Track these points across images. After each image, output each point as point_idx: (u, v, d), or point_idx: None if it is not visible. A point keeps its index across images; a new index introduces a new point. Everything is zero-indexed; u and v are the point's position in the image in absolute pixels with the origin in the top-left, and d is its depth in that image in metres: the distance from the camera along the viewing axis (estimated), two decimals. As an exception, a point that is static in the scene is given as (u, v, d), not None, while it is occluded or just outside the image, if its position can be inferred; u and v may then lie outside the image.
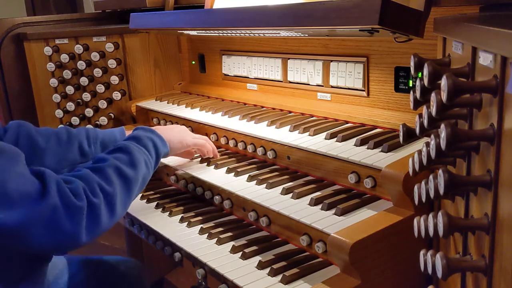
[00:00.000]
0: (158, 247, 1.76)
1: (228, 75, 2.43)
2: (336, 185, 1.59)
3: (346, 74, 1.84)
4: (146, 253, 2.72)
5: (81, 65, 2.61)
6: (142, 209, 1.90)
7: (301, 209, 1.45)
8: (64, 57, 2.63)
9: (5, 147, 1.19)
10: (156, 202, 1.95)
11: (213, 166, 1.87)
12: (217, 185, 1.74)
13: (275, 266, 1.39)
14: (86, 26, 2.93)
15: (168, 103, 2.43)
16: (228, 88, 2.44)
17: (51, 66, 2.69)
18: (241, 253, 1.50)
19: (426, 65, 0.91)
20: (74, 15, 3.13)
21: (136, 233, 1.90)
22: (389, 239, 1.27)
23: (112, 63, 2.56)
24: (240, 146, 1.93)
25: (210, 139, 2.02)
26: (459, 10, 1.42)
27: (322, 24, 1.46)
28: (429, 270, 0.88)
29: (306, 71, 2.00)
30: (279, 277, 1.35)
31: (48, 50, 2.66)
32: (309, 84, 2.01)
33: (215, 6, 2.13)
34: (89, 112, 2.68)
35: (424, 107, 0.98)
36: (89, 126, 2.69)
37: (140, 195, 2.00)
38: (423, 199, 0.99)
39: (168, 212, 1.84)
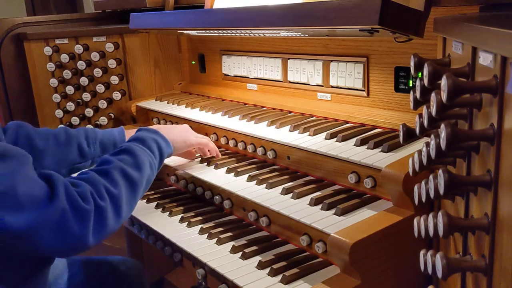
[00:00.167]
0: (158, 247, 1.76)
1: (228, 75, 2.43)
2: (336, 185, 1.59)
3: (346, 74, 1.84)
4: (146, 253, 2.72)
5: (81, 65, 2.61)
6: (142, 209, 1.90)
7: (301, 209, 1.45)
8: (64, 57, 2.63)
9: (15, 150, 1.19)
10: (156, 202, 1.95)
11: (213, 166, 1.87)
12: (217, 185, 1.74)
13: (275, 266, 1.39)
14: (86, 26, 2.93)
15: (168, 103, 2.43)
16: (228, 88, 2.44)
17: (51, 66, 2.69)
18: (241, 253, 1.50)
19: (426, 65, 0.91)
20: (74, 15, 3.13)
21: (136, 233, 1.90)
22: (389, 239, 1.27)
23: (112, 63, 2.56)
24: (240, 146, 1.93)
25: (210, 139, 2.02)
26: (459, 10, 1.42)
27: (322, 24, 1.46)
28: (429, 270, 0.88)
29: (306, 71, 2.00)
30: (279, 277, 1.36)
31: (48, 50, 2.66)
32: (309, 84, 2.01)
33: (215, 6, 2.13)
34: (89, 112, 2.68)
35: (424, 107, 0.98)
36: (89, 126, 2.69)
37: (140, 195, 2.00)
38: (423, 199, 0.99)
39: (168, 212, 1.84)
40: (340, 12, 1.39)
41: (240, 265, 1.45)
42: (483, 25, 0.84)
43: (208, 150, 1.93)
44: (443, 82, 0.82)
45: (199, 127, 2.12)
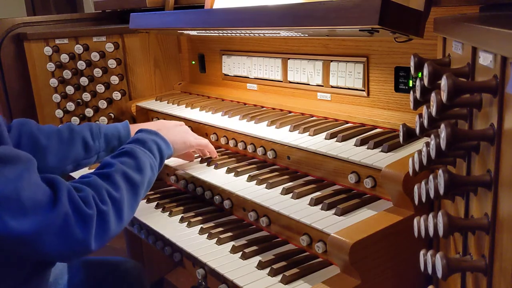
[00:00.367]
0: (158, 247, 1.76)
1: (228, 75, 2.43)
2: (336, 185, 1.59)
3: (346, 74, 1.84)
4: (146, 253, 2.72)
5: (81, 65, 2.61)
6: (142, 209, 1.90)
7: (301, 209, 1.45)
8: (64, 57, 2.63)
9: (20, 154, 1.19)
10: (156, 202, 1.95)
11: (213, 166, 1.87)
12: (217, 185, 1.74)
13: (275, 266, 1.39)
14: (86, 26, 2.93)
15: (168, 103, 2.43)
16: (228, 88, 2.44)
17: (51, 66, 2.69)
18: (241, 253, 1.50)
19: (426, 65, 0.91)
20: (74, 15, 3.12)
21: (136, 233, 1.91)
22: (389, 239, 1.27)
23: (112, 63, 2.56)
24: (240, 146, 1.93)
25: (210, 139, 2.02)
26: (459, 10, 1.42)
27: (322, 24, 1.46)
28: (429, 270, 0.88)
29: (306, 71, 2.00)
30: (279, 277, 1.36)
31: (48, 50, 2.66)
32: (309, 84, 2.01)
33: (215, 6, 2.13)
34: (89, 112, 2.68)
35: (424, 107, 0.98)
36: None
37: (140, 195, 2.00)
38: (423, 199, 0.99)
39: (168, 212, 1.84)
40: (340, 12, 1.39)
41: (240, 265, 1.45)
42: (483, 25, 0.84)
43: (208, 152, 1.93)
44: (443, 82, 0.82)
45: (199, 127, 2.12)
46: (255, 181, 1.68)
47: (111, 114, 2.64)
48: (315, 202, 1.47)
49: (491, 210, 0.82)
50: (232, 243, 1.57)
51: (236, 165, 1.83)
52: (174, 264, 2.71)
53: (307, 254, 1.47)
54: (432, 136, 0.88)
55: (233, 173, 1.77)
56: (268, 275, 1.38)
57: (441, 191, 0.85)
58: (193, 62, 2.66)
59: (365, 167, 1.47)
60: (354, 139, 1.58)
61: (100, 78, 2.62)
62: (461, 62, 0.97)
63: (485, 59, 0.83)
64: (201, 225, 1.70)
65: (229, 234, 1.62)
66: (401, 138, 1.14)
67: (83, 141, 1.75)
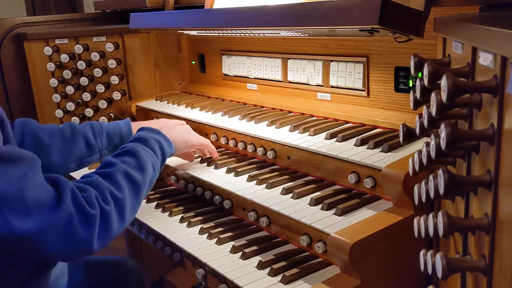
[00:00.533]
0: (158, 247, 1.76)
1: (228, 75, 2.43)
2: (336, 185, 1.59)
3: (346, 74, 1.84)
4: (146, 253, 2.72)
5: (81, 65, 2.61)
6: (142, 209, 1.89)
7: (301, 209, 1.45)
8: (64, 57, 2.63)
9: (25, 154, 1.19)
10: (156, 202, 1.95)
11: (213, 166, 1.87)
12: (217, 185, 1.74)
13: (275, 266, 1.39)
14: (86, 26, 2.93)
15: (168, 103, 2.43)
16: (228, 88, 2.44)
17: (51, 66, 2.69)
18: (241, 253, 1.50)
19: (426, 65, 0.91)
20: (74, 15, 3.12)
21: (136, 233, 1.91)
22: (389, 239, 1.27)
23: (112, 63, 2.56)
24: (240, 146, 1.93)
25: (210, 139, 2.02)
26: (459, 10, 1.42)
27: (322, 24, 1.46)
28: (429, 270, 0.88)
29: (306, 71, 2.00)
30: (279, 277, 1.36)
31: (48, 50, 2.66)
32: (309, 84, 2.01)
33: (215, 6, 2.13)
34: (89, 112, 2.68)
35: (424, 107, 0.98)
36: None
37: (140, 195, 2.00)
38: (423, 199, 0.99)
39: (168, 212, 1.84)
40: (340, 12, 1.39)
41: (240, 265, 1.45)
42: (483, 25, 0.84)
43: (208, 152, 1.94)
44: (443, 82, 0.82)
45: (199, 127, 2.12)
46: (255, 181, 1.68)
47: (111, 114, 2.64)
48: (315, 202, 1.47)
49: (491, 210, 0.82)
50: (232, 243, 1.57)
51: (236, 165, 1.83)
52: (174, 264, 2.71)
53: (307, 254, 1.47)
54: (432, 136, 0.88)
55: (233, 173, 1.77)
56: (268, 275, 1.38)
57: (441, 191, 0.85)
58: (193, 62, 2.66)
59: (365, 167, 1.47)
60: (354, 139, 1.58)
61: (100, 78, 2.62)
62: (461, 62, 0.97)
63: (485, 59, 0.83)
64: (201, 225, 1.70)
65: (229, 234, 1.62)
66: (401, 138, 1.14)
67: (85, 139, 1.75)
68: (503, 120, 0.78)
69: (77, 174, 2.09)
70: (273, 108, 2.09)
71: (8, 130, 1.25)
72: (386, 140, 1.53)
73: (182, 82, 2.74)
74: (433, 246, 1.27)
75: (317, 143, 1.63)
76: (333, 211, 1.41)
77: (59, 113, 2.74)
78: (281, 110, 2.05)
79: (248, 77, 2.30)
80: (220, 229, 1.66)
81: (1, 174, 1.11)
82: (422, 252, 0.92)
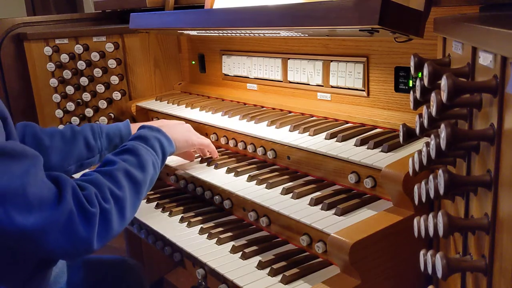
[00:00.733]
0: (158, 247, 1.76)
1: (228, 75, 2.43)
2: (336, 185, 1.59)
3: (346, 74, 1.84)
4: (146, 252, 2.72)
5: (81, 65, 2.61)
6: (142, 209, 1.89)
7: (301, 209, 1.45)
8: (64, 57, 2.63)
9: (27, 150, 1.19)
10: (156, 202, 1.95)
11: (213, 166, 1.87)
12: (217, 185, 1.74)
13: (275, 266, 1.39)
14: (86, 26, 2.93)
15: (168, 103, 2.43)
16: (228, 88, 2.44)
17: (51, 66, 2.69)
18: (241, 253, 1.50)
19: (426, 65, 0.91)
20: (74, 15, 3.12)
21: (136, 233, 1.91)
22: (389, 239, 1.27)
23: (112, 63, 2.56)
24: (240, 146, 1.93)
25: (210, 139, 2.02)
26: (459, 10, 1.42)
27: (322, 24, 1.46)
28: (429, 270, 0.88)
29: (306, 71, 2.00)
30: (279, 277, 1.36)
31: (48, 50, 2.66)
32: (309, 84, 2.01)
33: (215, 6, 2.13)
34: (89, 112, 2.68)
35: (424, 107, 0.98)
36: (89, 126, 2.68)
37: (140, 195, 2.00)
38: (423, 199, 0.99)
39: (168, 212, 1.84)
40: (340, 12, 1.39)
41: (240, 265, 1.45)
42: (483, 25, 0.84)
43: (208, 151, 1.94)
44: (443, 82, 0.82)
45: (199, 127, 2.12)
46: (255, 181, 1.68)
47: (111, 114, 2.64)
48: (315, 202, 1.47)
49: (491, 210, 0.82)
50: (232, 243, 1.57)
51: (236, 165, 1.83)
52: (174, 264, 2.71)
53: (307, 254, 1.47)
54: (432, 136, 0.88)
55: (233, 173, 1.77)
56: (268, 275, 1.38)
57: (441, 191, 0.85)
58: (193, 62, 2.66)
59: (365, 167, 1.47)
60: (354, 139, 1.58)
61: (100, 78, 2.62)
62: (461, 62, 0.97)
63: (485, 59, 0.83)
64: (201, 225, 1.70)
65: (229, 234, 1.62)
66: (401, 138, 1.14)
67: (84, 140, 1.75)
68: (503, 120, 0.78)
69: (78, 174, 2.09)
70: (273, 108, 2.09)
71: (10, 127, 1.25)
72: (386, 140, 1.53)
73: (182, 82, 2.74)
74: (433, 246, 1.27)
75: (317, 143, 1.63)
76: (333, 211, 1.41)
77: (59, 113, 2.74)
78: (281, 110, 2.05)
79: (248, 77, 2.30)
80: (220, 229, 1.66)
81: (4, 170, 1.12)
82: (422, 252, 0.92)
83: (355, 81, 1.82)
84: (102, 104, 2.62)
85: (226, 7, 1.99)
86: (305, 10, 1.51)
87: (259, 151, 1.84)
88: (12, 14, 3.93)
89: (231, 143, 1.98)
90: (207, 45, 2.53)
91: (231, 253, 1.52)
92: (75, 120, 2.71)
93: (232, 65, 2.37)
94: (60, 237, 1.18)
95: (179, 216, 1.79)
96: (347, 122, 1.79)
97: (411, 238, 1.06)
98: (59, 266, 1.66)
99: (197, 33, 2.22)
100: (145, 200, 1.97)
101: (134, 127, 1.83)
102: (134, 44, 2.56)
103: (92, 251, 1.25)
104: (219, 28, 1.92)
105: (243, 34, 1.96)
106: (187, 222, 1.74)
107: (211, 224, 1.71)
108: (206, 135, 2.09)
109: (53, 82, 2.69)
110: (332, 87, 1.92)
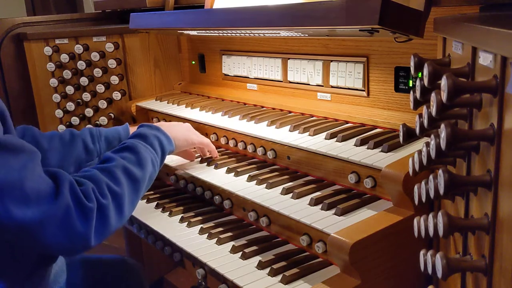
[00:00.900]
0: (158, 247, 1.76)
1: (228, 75, 2.43)
2: (336, 185, 1.59)
3: (346, 74, 1.84)
4: (145, 252, 2.72)
5: (81, 65, 2.61)
6: (141, 209, 1.90)
7: (301, 209, 1.45)
8: (64, 57, 2.63)
9: (25, 145, 1.20)
10: (156, 202, 1.95)
11: (213, 166, 1.87)
12: (217, 185, 1.74)
13: (275, 266, 1.39)
14: (86, 26, 2.93)
15: (168, 103, 2.43)
16: (228, 88, 2.44)
17: (51, 66, 2.69)
18: (241, 253, 1.50)
19: (426, 65, 0.91)
20: (74, 15, 3.12)
21: (136, 233, 1.91)
22: (389, 239, 1.27)
23: (112, 63, 2.56)
24: (240, 146, 1.93)
25: (210, 139, 2.02)
26: (459, 10, 1.42)
27: (322, 24, 1.46)
28: (429, 270, 0.88)
29: (306, 71, 2.00)
30: (279, 277, 1.36)
31: (48, 50, 2.66)
32: (309, 84, 2.01)
33: (215, 6, 2.13)
34: (89, 112, 2.68)
35: (424, 107, 0.98)
36: (89, 126, 2.68)
37: (140, 195, 2.00)
38: (423, 199, 0.99)
39: (168, 212, 1.84)
40: (340, 12, 1.39)
41: (240, 265, 1.45)
42: (483, 25, 0.84)
43: (208, 151, 1.94)
44: (443, 82, 0.82)
45: (199, 127, 2.12)
46: (255, 181, 1.68)
47: (111, 114, 2.64)
48: (315, 202, 1.47)
49: (491, 210, 0.82)
50: (232, 243, 1.57)
51: (236, 165, 1.83)
52: (174, 264, 2.71)
53: (307, 254, 1.47)
54: (432, 136, 0.88)
55: (233, 173, 1.77)
56: (268, 275, 1.38)
57: (441, 191, 0.85)
58: (193, 62, 2.66)
59: (365, 167, 1.47)
60: (354, 139, 1.58)
61: (100, 78, 2.62)
62: (461, 62, 0.97)
63: (485, 59, 0.83)
64: (201, 225, 1.70)
65: (229, 234, 1.62)
66: (401, 138, 1.14)
67: (83, 143, 1.76)
68: (503, 120, 0.78)
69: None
70: (273, 108, 2.09)
71: (8, 122, 1.25)
72: (386, 140, 1.53)
73: (182, 82, 2.74)
74: (433, 246, 1.27)
75: (317, 143, 1.63)
76: (333, 211, 1.41)
77: (59, 113, 2.74)
78: (281, 110, 2.05)
79: (248, 77, 2.30)
80: (220, 229, 1.66)
81: (2, 163, 1.12)
82: (422, 252, 0.92)
83: (355, 81, 1.82)
84: (102, 104, 2.62)
85: (226, 7, 1.99)
86: (305, 10, 1.51)
87: (259, 151, 1.84)
88: (12, 14, 3.93)
89: (231, 143, 1.98)
90: (207, 45, 2.53)
91: (231, 253, 1.52)
92: (75, 120, 2.71)
93: (232, 65, 2.37)
94: (58, 231, 1.18)
95: (179, 216, 1.79)
96: (347, 122, 1.79)
97: (411, 238, 1.06)
98: (58, 265, 1.66)
99: (197, 33, 2.22)
100: (145, 200, 1.97)
101: (133, 131, 1.83)
102: (134, 44, 2.56)
103: (90, 247, 1.25)
104: (219, 28, 1.92)
105: (243, 34, 1.96)
106: (187, 222, 1.74)
107: (211, 224, 1.71)
108: (206, 135, 2.09)
109: (53, 82, 2.69)
110: (332, 87, 1.92)
